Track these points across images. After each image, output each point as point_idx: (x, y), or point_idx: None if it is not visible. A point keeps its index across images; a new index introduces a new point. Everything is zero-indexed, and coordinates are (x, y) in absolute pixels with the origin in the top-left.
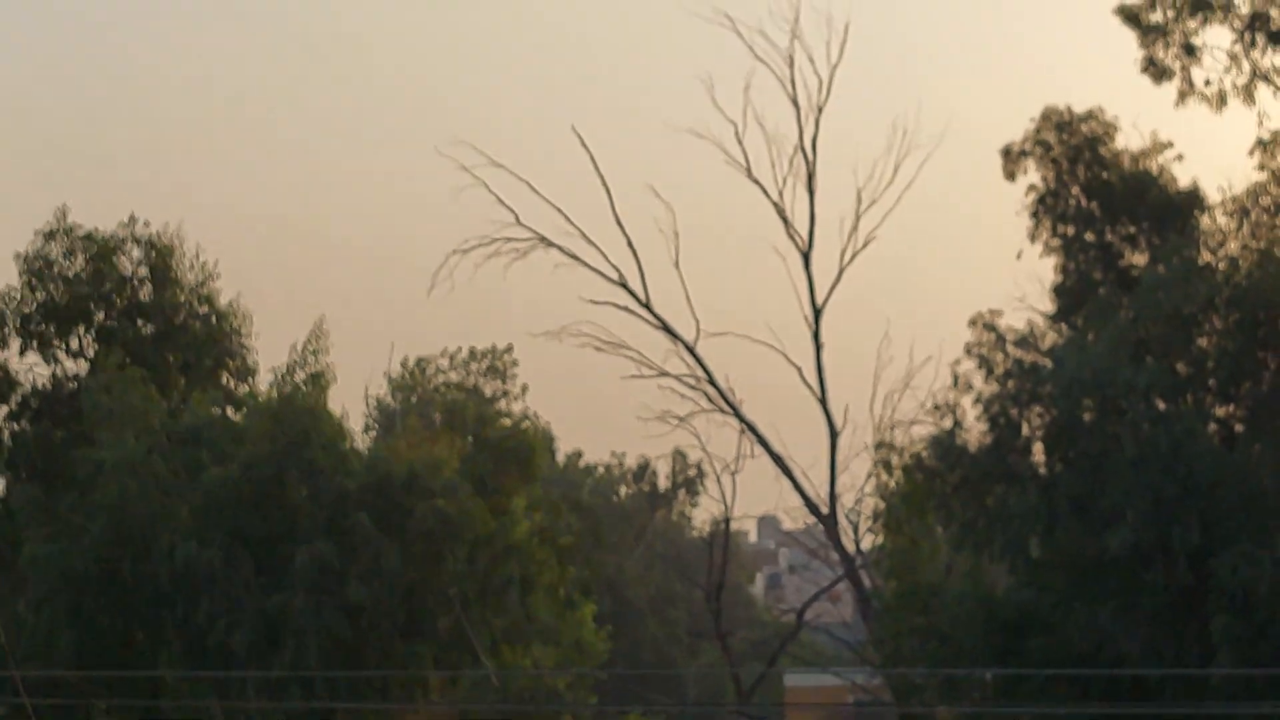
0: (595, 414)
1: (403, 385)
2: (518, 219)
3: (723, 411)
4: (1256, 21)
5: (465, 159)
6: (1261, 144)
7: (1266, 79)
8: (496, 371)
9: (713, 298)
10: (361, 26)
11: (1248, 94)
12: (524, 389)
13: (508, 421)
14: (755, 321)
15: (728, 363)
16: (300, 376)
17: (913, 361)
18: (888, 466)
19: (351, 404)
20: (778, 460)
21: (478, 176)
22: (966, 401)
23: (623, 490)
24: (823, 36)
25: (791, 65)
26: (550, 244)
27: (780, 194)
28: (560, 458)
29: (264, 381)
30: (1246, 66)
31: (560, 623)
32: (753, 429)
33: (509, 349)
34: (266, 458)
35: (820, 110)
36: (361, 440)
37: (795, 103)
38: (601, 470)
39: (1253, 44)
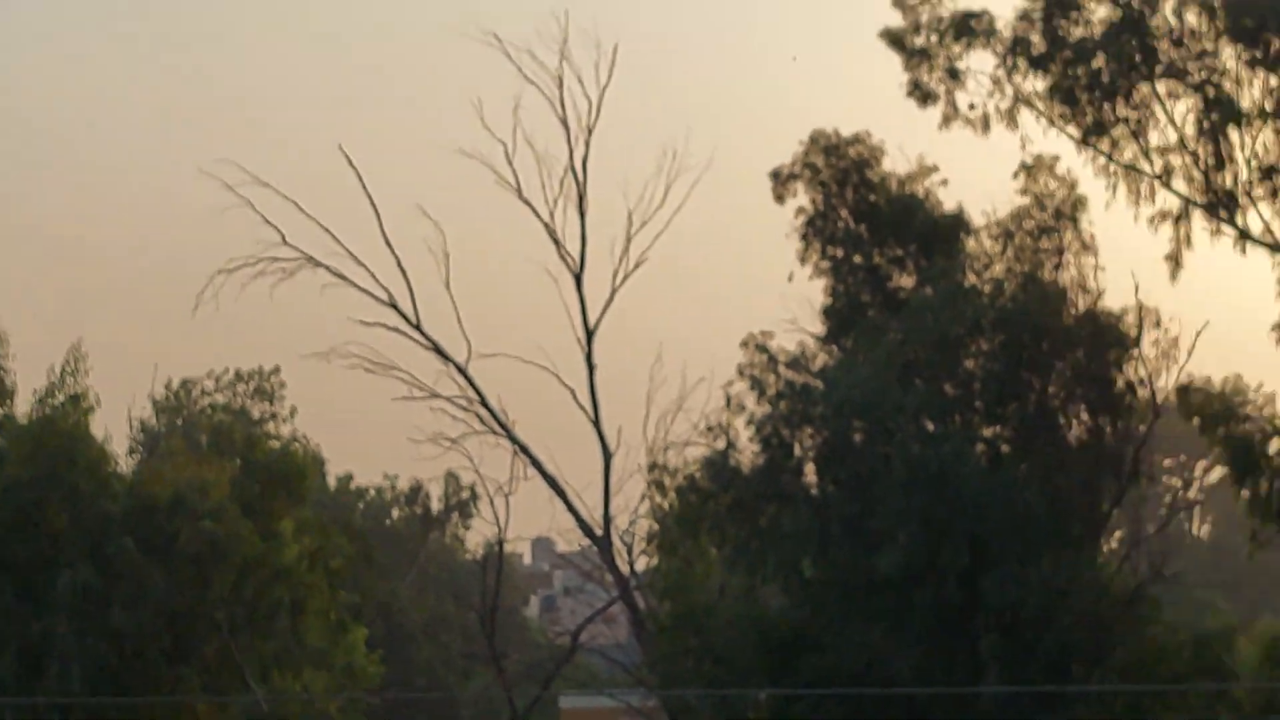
0: (366, 436)
1: (167, 408)
2: (284, 239)
3: (495, 433)
4: (1018, 46)
5: (230, 177)
6: (1025, 168)
7: (1029, 103)
8: (264, 393)
9: (485, 319)
10: (119, 38)
11: (1011, 118)
12: (293, 411)
13: (276, 444)
14: (528, 343)
15: (500, 384)
16: (59, 399)
17: (686, 383)
18: (661, 488)
19: (115, 427)
20: (551, 482)
21: (242, 196)
22: (739, 423)
23: (395, 513)
24: (592, 58)
25: (561, 86)
26: (318, 264)
27: (551, 215)
28: (331, 480)
29: (23, 404)
30: (1009, 91)
31: (331, 647)
32: (526, 451)
33: (276, 370)
34: (26, 482)
35: (590, 131)
36: (125, 464)
37: (565, 124)
38: (373, 493)
39: (1015, 68)
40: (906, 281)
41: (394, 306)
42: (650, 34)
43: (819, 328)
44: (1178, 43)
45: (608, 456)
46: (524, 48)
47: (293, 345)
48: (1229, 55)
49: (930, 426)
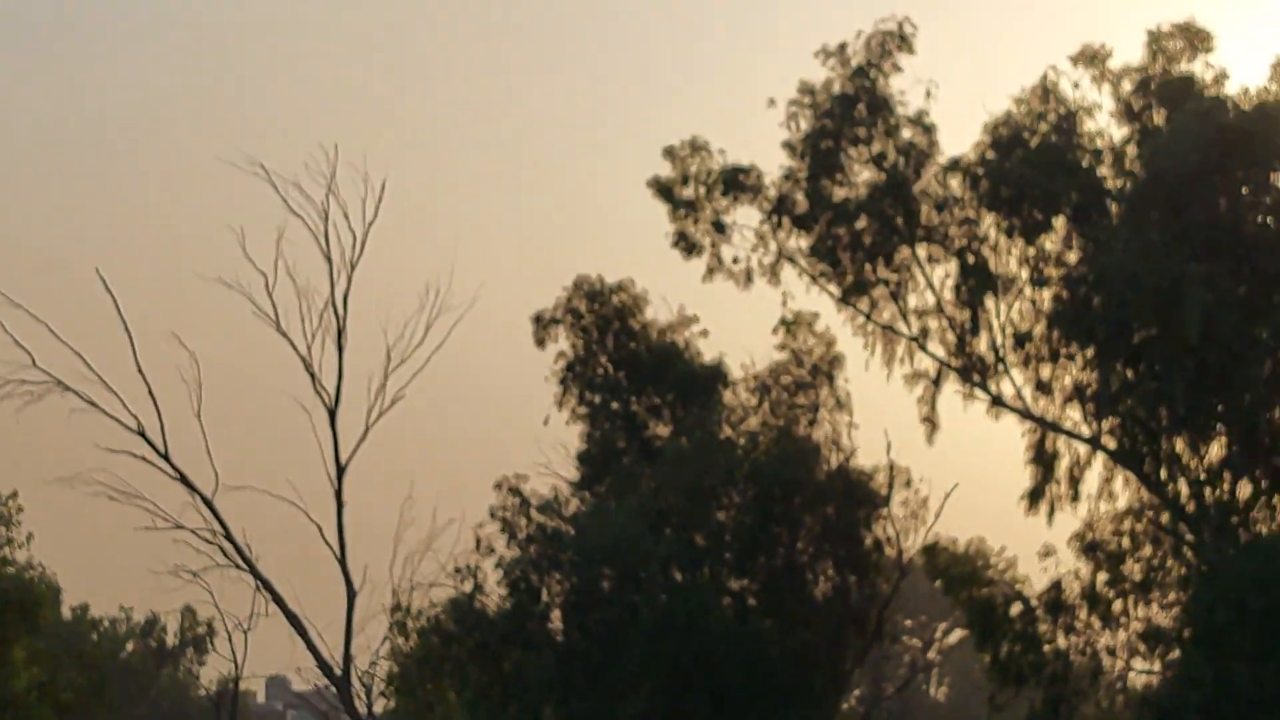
0: (105, 565)
1: None
2: (34, 361)
3: (238, 567)
4: (784, 204)
5: None
6: (784, 324)
7: (792, 260)
8: (1, 518)
9: (235, 451)
10: None
11: (774, 274)
12: (29, 537)
13: (11, 570)
14: (278, 476)
15: (247, 517)
16: None
17: (436, 523)
18: (404, 629)
19: None
20: (293, 619)
21: None
22: (488, 565)
23: (130, 645)
24: (359, 193)
25: (326, 220)
26: (67, 388)
27: (309, 348)
28: (66, 610)
29: None
30: (773, 247)
31: None
32: (268, 586)
33: (14, 495)
34: None
35: (353, 266)
36: None
37: (328, 258)
38: (108, 624)
39: (779, 225)
40: (663, 430)
41: (142, 434)
42: (419, 170)
43: (573, 473)
44: (940, 208)
45: (351, 595)
46: (292, 179)
47: (34, 470)
48: (989, 223)
49: (679, 576)
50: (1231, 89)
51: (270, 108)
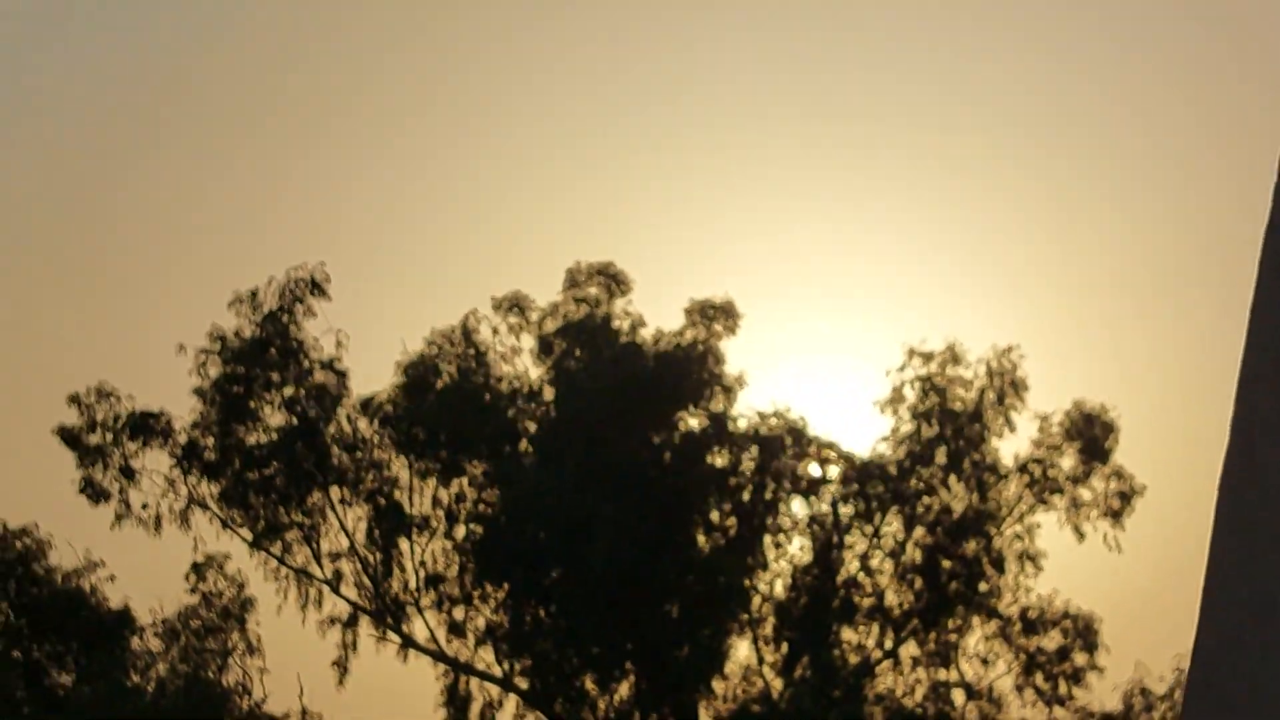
0: None
1: None
2: None
3: None
4: (194, 449)
5: None
6: (195, 567)
7: (203, 505)
8: None
9: None
10: None
11: (184, 519)
12: None
13: None
14: None
15: None
16: None
17: None
18: None
19: None
20: None
21: None
22: None
23: None
24: None
25: None
26: None
27: None
28: None
29: None
30: (184, 491)
31: None
32: None
33: None
34: None
35: None
36: None
37: None
38: None
39: (189, 470)
40: (66, 678)
41: None
42: None
43: None
44: (350, 449)
45: None
46: None
47: None
48: (401, 465)
49: None
50: (649, 332)
51: None
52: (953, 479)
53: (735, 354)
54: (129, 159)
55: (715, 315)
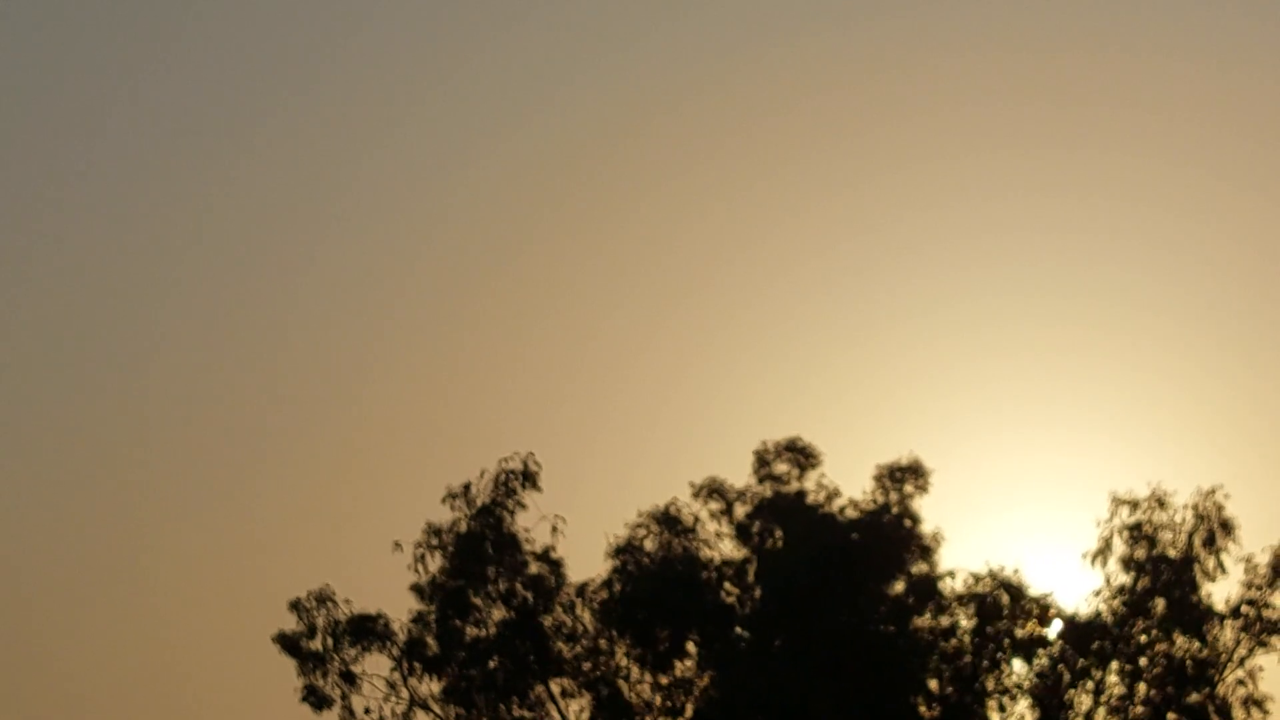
0: None
1: None
2: None
3: None
4: (414, 648)
5: None
6: None
7: (424, 706)
8: None
9: None
10: None
11: None
12: None
13: None
14: None
15: None
16: None
17: None
18: None
19: None
20: None
21: None
22: None
23: None
24: None
25: None
26: None
27: None
28: None
29: None
30: (405, 695)
31: None
32: None
33: None
34: None
35: None
36: None
37: None
38: None
39: (410, 671)
40: None
41: None
42: None
43: None
44: (570, 639)
45: None
46: None
47: None
48: (620, 651)
49: None
50: (842, 501)
51: None
52: (1171, 628)
53: (930, 510)
54: (338, 360)
55: (904, 477)
